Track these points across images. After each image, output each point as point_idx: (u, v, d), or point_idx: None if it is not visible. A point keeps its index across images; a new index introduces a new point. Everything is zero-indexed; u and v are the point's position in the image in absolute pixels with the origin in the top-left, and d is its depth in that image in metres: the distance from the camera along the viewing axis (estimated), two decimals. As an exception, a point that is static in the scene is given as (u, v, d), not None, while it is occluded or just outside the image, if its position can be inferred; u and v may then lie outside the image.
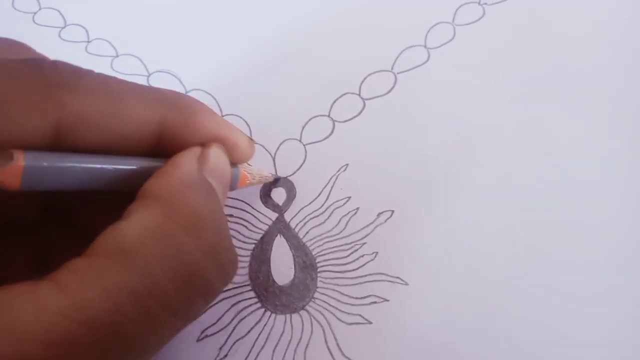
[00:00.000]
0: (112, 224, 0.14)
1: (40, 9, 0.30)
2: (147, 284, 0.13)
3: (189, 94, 0.26)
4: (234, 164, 0.20)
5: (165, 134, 0.17)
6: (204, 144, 0.18)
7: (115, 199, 0.16)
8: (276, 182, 0.24)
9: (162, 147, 0.17)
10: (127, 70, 0.27)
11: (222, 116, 0.26)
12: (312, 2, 0.28)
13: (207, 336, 0.21)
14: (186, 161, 0.17)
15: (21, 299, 0.12)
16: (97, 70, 0.16)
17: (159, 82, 0.27)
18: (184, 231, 0.14)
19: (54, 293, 0.12)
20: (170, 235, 0.14)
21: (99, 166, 0.15)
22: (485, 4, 0.28)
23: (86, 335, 0.12)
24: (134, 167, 0.16)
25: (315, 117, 0.25)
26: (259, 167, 0.23)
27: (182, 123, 0.17)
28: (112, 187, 0.16)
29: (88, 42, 0.29)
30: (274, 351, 0.21)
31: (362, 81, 0.26)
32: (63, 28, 0.29)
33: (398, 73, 0.26)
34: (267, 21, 0.28)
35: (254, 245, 0.23)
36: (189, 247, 0.14)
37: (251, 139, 0.20)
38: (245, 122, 0.25)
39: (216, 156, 0.18)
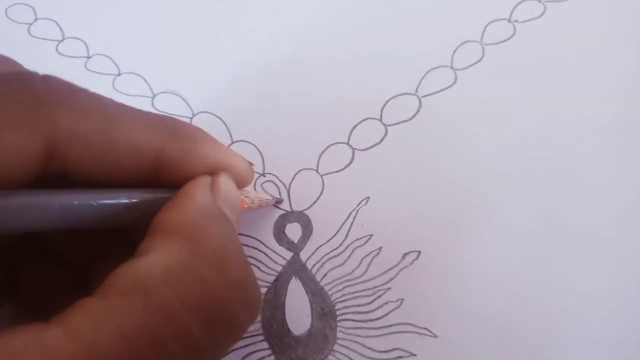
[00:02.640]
0: (128, 260, 0.13)
1: (36, 19, 0.28)
2: (172, 327, 0.12)
3: (196, 116, 0.24)
4: None
5: (163, 162, 0.16)
6: (211, 173, 0.17)
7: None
8: (278, 203, 0.22)
9: (160, 177, 0.16)
10: (131, 91, 0.25)
11: (232, 142, 0.24)
12: (330, 20, 0.26)
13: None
14: (200, 192, 0.15)
15: (28, 343, 0.11)
16: (97, 89, 0.15)
17: (164, 103, 0.25)
18: (210, 267, 0.13)
19: (65, 337, 0.11)
20: (196, 272, 0.13)
21: (84, 203, 0.14)
22: (516, 21, 0.26)
23: None
24: (132, 201, 0.15)
25: (333, 144, 0.23)
26: (256, 191, 0.21)
27: (183, 152, 0.16)
28: (102, 225, 0.14)
29: (88, 57, 0.27)
30: (289, 409, 0.19)
31: (384, 105, 0.24)
32: (61, 41, 0.27)
33: (423, 96, 0.24)
34: (282, 40, 0.26)
35: (266, 289, 0.21)
36: (217, 283, 0.13)
37: (251, 163, 0.19)
38: (257, 149, 0.23)
39: (226, 185, 0.17)
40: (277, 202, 0.22)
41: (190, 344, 0.12)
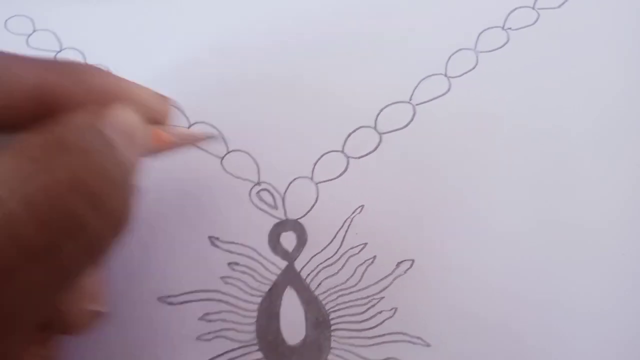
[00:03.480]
0: None
1: (34, 30, 0.28)
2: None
3: (192, 127, 0.24)
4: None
5: (48, 100, 0.15)
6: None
7: None
8: (211, 139, 0.21)
9: (50, 113, 0.15)
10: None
11: (228, 152, 0.24)
12: (323, 29, 0.26)
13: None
14: (74, 114, 0.14)
15: None
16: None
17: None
18: (55, 169, 0.13)
19: None
20: (23, 169, 0.12)
21: None
22: (510, 28, 0.26)
23: None
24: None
25: (327, 153, 0.23)
26: (181, 128, 0.20)
27: (67, 84, 0.15)
28: None
29: (85, 68, 0.27)
30: (283, 418, 0.19)
31: (378, 113, 0.24)
32: (59, 52, 0.28)
33: (417, 104, 0.24)
34: (276, 50, 0.26)
35: (261, 299, 0.21)
36: (56, 183, 0.12)
37: (163, 96, 0.18)
38: (252, 158, 0.24)
39: (117, 112, 0.15)
40: (210, 138, 0.21)
41: (20, 236, 0.12)
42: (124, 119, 0.15)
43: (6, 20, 0.29)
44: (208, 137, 0.22)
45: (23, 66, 0.15)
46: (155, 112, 0.17)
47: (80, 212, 0.13)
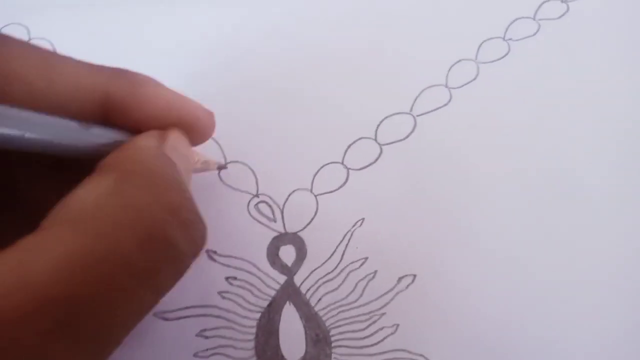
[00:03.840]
0: (64, 197, 0.13)
1: (30, 39, 0.28)
2: (104, 248, 0.12)
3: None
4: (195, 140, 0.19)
5: (111, 107, 0.16)
6: (161, 128, 0.17)
7: (65, 176, 0.15)
8: (221, 168, 0.22)
9: (111, 121, 0.16)
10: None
11: (227, 163, 0.23)
12: (324, 40, 0.26)
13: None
14: (144, 137, 0.16)
15: None
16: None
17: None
18: (143, 191, 0.13)
19: (1, 271, 0.11)
20: (127, 197, 0.13)
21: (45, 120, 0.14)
22: (511, 39, 0.25)
23: (39, 311, 0.11)
24: (84, 128, 0.15)
25: (327, 164, 0.23)
26: (203, 153, 0.21)
27: (128, 93, 0.16)
28: (57, 151, 0.14)
29: (80, 77, 0.26)
30: None
31: (379, 125, 0.24)
32: (54, 61, 0.27)
33: (417, 115, 0.24)
34: (275, 61, 0.26)
35: (260, 314, 0.20)
36: (149, 205, 0.13)
37: (210, 111, 0.19)
38: (251, 169, 0.23)
39: (176, 136, 0.17)
40: (220, 167, 0.22)
41: (126, 264, 0.12)
42: (181, 145, 0.17)
43: (1, 29, 0.28)
44: (220, 167, 0.22)
45: (94, 73, 0.16)
46: (203, 128, 0.18)
47: (174, 236, 0.14)
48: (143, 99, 0.16)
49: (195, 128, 0.18)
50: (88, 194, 0.13)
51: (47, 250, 0.12)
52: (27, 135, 0.14)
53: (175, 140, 0.17)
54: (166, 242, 0.14)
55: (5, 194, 0.17)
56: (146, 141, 0.16)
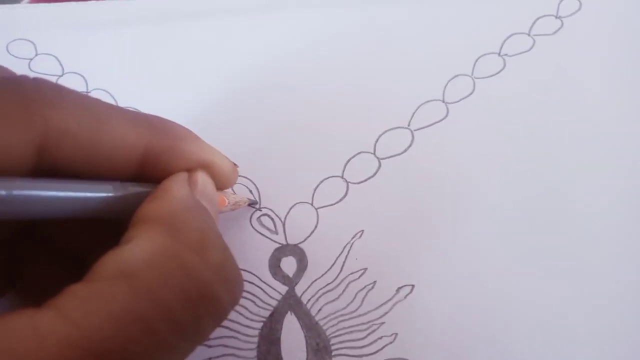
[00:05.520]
0: (113, 248, 0.14)
1: (36, 54, 0.29)
2: (156, 307, 0.13)
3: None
4: (218, 189, 0.19)
5: (149, 158, 0.17)
6: (189, 170, 0.18)
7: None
8: (253, 204, 0.23)
9: (145, 173, 0.17)
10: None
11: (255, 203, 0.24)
12: (323, 56, 0.27)
13: None
14: (179, 185, 0.16)
15: (22, 327, 0.11)
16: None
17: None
18: (191, 251, 0.14)
19: (57, 321, 0.12)
20: (178, 256, 0.14)
21: (75, 194, 0.15)
22: (506, 55, 0.26)
23: None
24: (120, 194, 0.16)
25: (327, 178, 0.24)
26: (232, 192, 0.22)
27: (168, 148, 0.17)
28: (92, 215, 0.15)
29: (87, 92, 0.27)
30: None
31: (377, 139, 0.24)
32: (61, 76, 0.28)
33: (415, 130, 0.25)
34: (275, 77, 0.26)
35: (262, 324, 0.21)
36: (198, 266, 0.14)
37: (235, 164, 0.20)
38: (254, 183, 0.24)
39: (203, 180, 0.18)
40: (252, 203, 0.23)
41: (174, 322, 0.13)
42: (209, 188, 0.18)
43: (8, 44, 0.29)
44: (252, 203, 0.23)
45: (138, 126, 0.16)
46: (227, 179, 0.20)
47: (218, 293, 0.15)
48: (180, 153, 0.17)
49: (221, 179, 0.19)
50: (139, 250, 0.14)
51: (102, 304, 0.12)
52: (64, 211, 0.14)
53: (204, 184, 0.17)
54: (211, 300, 0.14)
55: (38, 234, 0.18)
56: (180, 190, 0.16)
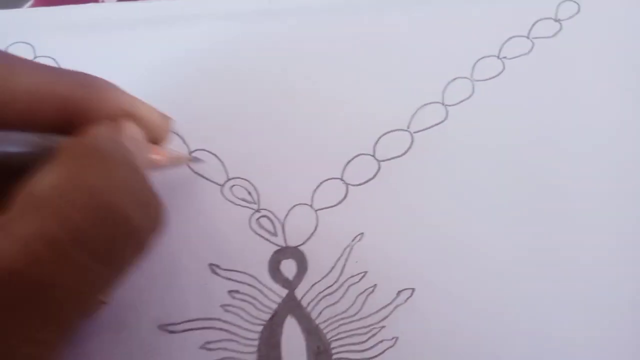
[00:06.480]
0: (27, 181, 0.14)
1: (35, 57, 0.29)
2: (62, 227, 0.13)
3: (193, 154, 0.25)
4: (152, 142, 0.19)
5: (71, 110, 0.17)
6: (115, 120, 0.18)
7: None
8: (196, 162, 0.23)
9: (70, 127, 0.17)
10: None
11: (228, 179, 0.24)
12: (323, 58, 0.27)
13: None
14: (97, 127, 0.17)
15: None
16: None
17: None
18: (96, 173, 0.14)
19: None
20: (83, 179, 0.14)
21: None
22: (505, 57, 0.26)
23: (4, 288, 0.12)
24: (40, 142, 0.16)
25: (327, 180, 0.24)
26: (171, 148, 0.21)
27: (89, 98, 0.17)
28: (12, 163, 0.15)
29: (85, 95, 0.27)
30: None
31: (377, 141, 0.24)
32: (59, 78, 0.28)
33: (415, 132, 0.25)
34: (276, 79, 0.26)
35: (262, 327, 0.21)
36: (102, 186, 0.14)
37: (165, 115, 0.20)
38: (253, 185, 0.24)
39: (130, 126, 0.18)
40: (195, 161, 0.23)
41: (84, 242, 0.14)
42: (134, 133, 0.18)
43: (7, 47, 0.29)
44: (193, 160, 0.23)
45: (56, 78, 0.16)
46: (158, 129, 0.19)
47: (128, 213, 0.15)
48: (101, 103, 0.17)
49: (151, 130, 0.19)
50: (46, 178, 0.14)
51: (11, 230, 0.13)
52: None
53: (128, 129, 0.18)
54: (121, 219, 0.15)
55: None
56: (97, 130, 0.17)
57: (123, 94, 0.18)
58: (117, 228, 0.15)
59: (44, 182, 0.14)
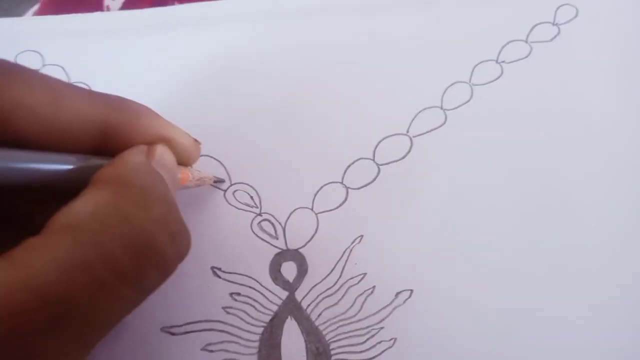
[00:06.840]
0: (65, 206, 0.15)
1: (44, 65, 0.29)
2: (98, 254, 0.14)
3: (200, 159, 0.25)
4: (179, 164, 0.20)
5: (109, 134, 0.17)
6: (149, 144, 0.18)
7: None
8: (219, 183, 0.24)
9: (107, 148, 0.18)
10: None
11: (231, 184, 0.24)
12: (323, 63, 0.27)
13: None
14: (134, 153, 0.17)
15: None
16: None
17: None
18: (134, 205, 0.15)
19: (7, 268, 0.13)
20: (121, 209, 0.15)
21: (34, 165, 0.15)
22: (504, 62, 0.26)
23: (38, 307, 0.13)
24: (80, 165, 0.16)
25: (327, 184, 0.24)
26: (200, 170, 0.22)
27: (126, 123, 0.18)
28: (53, 185, 0.16)
29: (92, 102, 0.28)
30: None
31: (377, 146, 0.25)
32: (67, 86, 0.28)
33: (414, 136, 0.25)
34: (276, 84, 0.27)
35: (262, 329, 0.21)
36: (139, 217, 0.15)
37: (196, 140, 0.21)
38: (255, 189, 0.24)
39: (162, 151, 0.18)
40: (218, 181, 0.24)
41: (116, 268, 0.14)
42: (167, 158, 0.19)
43: (16, 55, 0.30)
44: (217, 181, 0.24)
45: (95, 102, 0.17)
46: (188, 153, 0.20)
47: (161, 244, 0.15)
48: (138, 128, 0.18)
49: (182, 154, 0.20)
50: (86, 205, 0.15)
51: (50, 253, 0.13)
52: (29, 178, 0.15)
53: (162, 155, 0.18)
54: (153, 250, 0.15)
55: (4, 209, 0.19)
56: (136, 156, 0.17)
57: (158, 118, 0.19)
58: (149, 258, 0.15)
59: (82, 208, 0.14)
